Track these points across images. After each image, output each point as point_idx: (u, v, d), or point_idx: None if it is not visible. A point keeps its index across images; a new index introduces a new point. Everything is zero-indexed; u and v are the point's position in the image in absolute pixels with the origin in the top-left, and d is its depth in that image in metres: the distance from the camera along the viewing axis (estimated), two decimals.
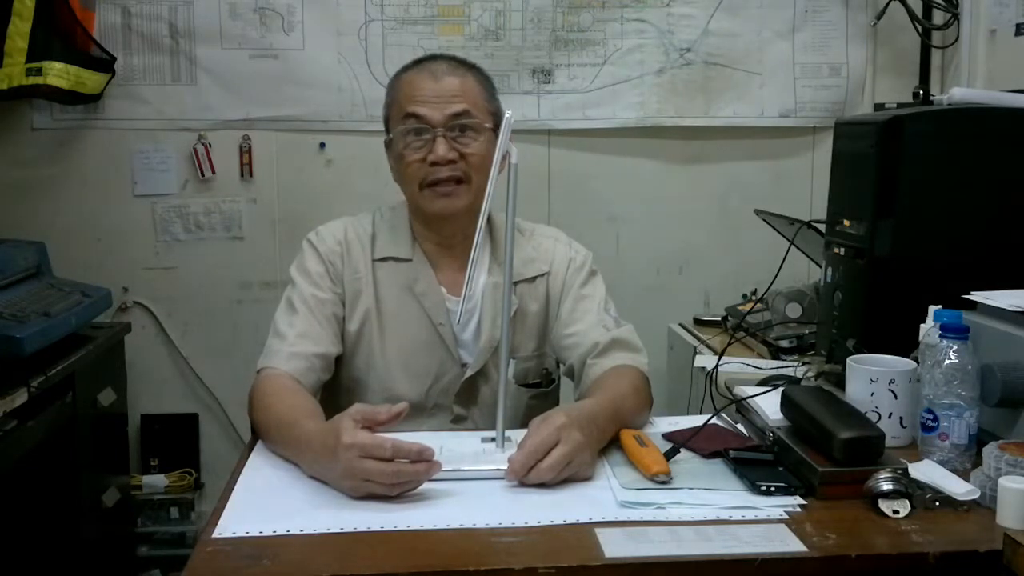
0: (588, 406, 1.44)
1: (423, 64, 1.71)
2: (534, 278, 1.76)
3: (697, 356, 2.29)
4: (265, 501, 1.28)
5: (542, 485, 1.30)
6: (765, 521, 1.20)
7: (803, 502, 1.25)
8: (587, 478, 1.33)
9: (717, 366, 1.87)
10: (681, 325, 2.64)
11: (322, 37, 2.75)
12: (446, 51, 2.63)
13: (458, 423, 1.72)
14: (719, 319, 2.55)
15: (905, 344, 1.56)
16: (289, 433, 1.41)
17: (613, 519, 1.20)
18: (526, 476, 1.30)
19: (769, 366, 2.02)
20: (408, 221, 1.75)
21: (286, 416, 1.45)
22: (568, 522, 1.20)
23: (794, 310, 2.21)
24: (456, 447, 1.41)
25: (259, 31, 2.73)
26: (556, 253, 1.78)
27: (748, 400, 1.55)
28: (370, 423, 1.30)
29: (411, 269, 1.72)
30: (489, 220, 1.76)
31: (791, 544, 1.14)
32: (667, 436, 1.48)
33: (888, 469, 1.24)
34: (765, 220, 2.47)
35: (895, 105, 2.74)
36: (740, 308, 2.48)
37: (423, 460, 1.26)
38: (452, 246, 1.73)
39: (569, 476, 1.31)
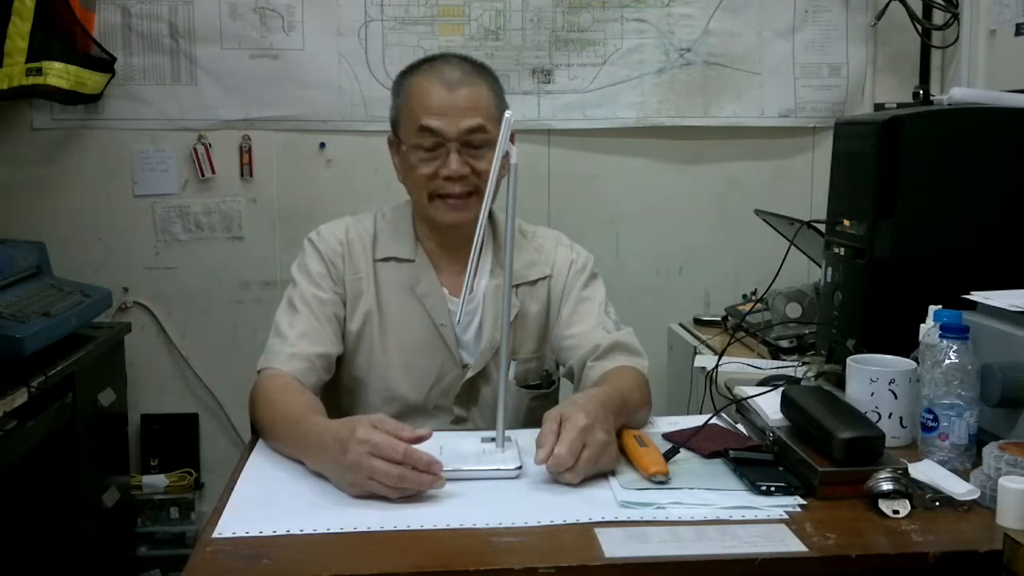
0: (599, 398, 1.43)
1: (435, 67, 1.67)
2: (535, 281, 1.76)
3: (697, 356, 2.29)
4: (265, 501, 1.28)
5: (543, 485, 1.31)
6: (765, 521, 1.20)
7: (803, 502, 1.25)
8: (612, 471, 1.35)
9: (717, 366, 1.86)
10: (681, 325, 2.64)
11: (322, 37, 2.75)
12: (446, 51, 2.63)
13: (458, 424, 1.72)
14: (719, 319, 2.55)
15: (905, 344, 1.56)
16: (296, 427, 1.41)
17: (613, 519, 1.21)
18: (555, 475, 1.32)
19: (769, 366, 2.02)
20: (411, 222, 1.75)
21: (293, 411, 1.46)
22: (568, 522, 1.20)
23: (794, 310, 2.21)
24: (456, 447, 1.41)
25: (259, 31, 2.73)
26: (558, 256, 1.78)
27: (748, 400, 1.55)
28: (390, 435, 1.29)
29: (413, 269, 1.72)
30: (492, 222, 1.77)
31: (791, 544, 1.14)
32: (667, 436, 1.48)
33: (888, 469, 1.24)
34: (765, 220, 2.47)
35: (895, 105, 2.74)
36: (740, 308, 2.48)
37: (430, 473, 1.26)
38: (455, 248, 1.72)
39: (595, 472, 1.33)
